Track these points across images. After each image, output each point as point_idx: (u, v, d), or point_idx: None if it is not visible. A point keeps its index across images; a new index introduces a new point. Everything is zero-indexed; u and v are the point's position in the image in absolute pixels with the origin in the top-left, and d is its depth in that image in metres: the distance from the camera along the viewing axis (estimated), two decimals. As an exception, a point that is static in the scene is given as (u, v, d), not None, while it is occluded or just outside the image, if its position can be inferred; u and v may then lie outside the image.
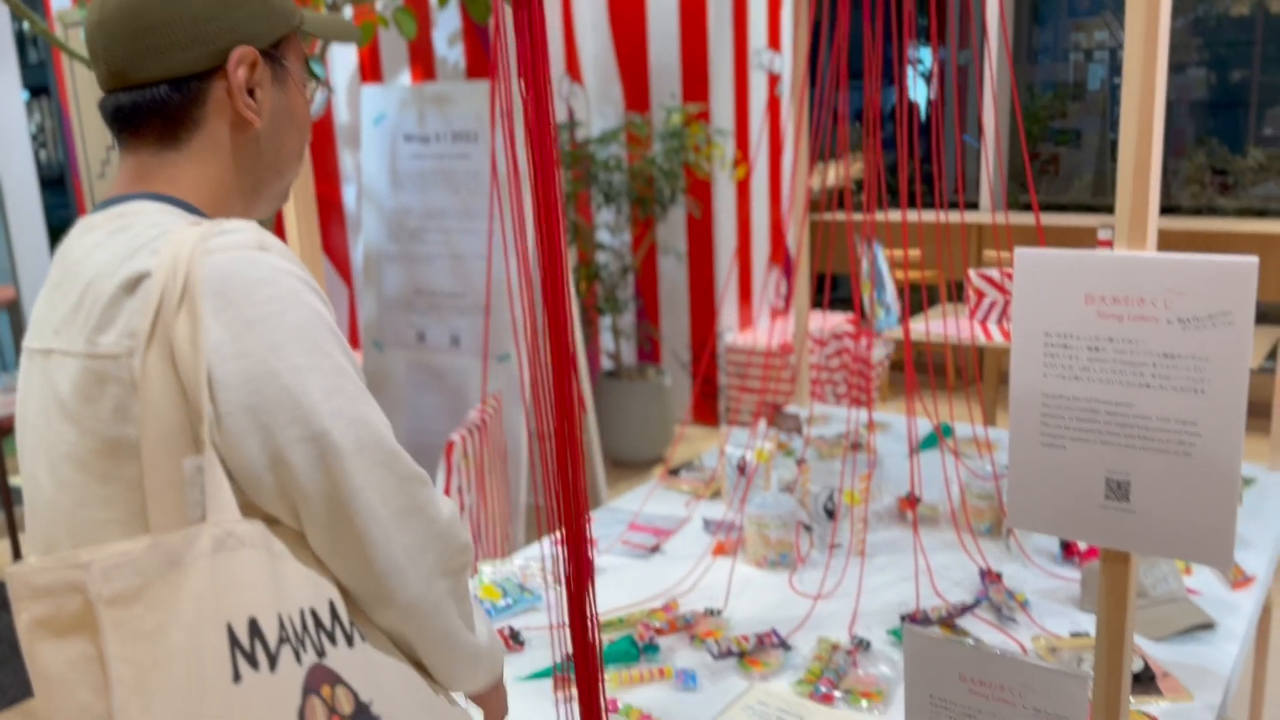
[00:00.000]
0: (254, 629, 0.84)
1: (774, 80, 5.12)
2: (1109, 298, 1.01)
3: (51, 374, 0.92)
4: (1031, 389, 1.07)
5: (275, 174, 1.07)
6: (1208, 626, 1.68)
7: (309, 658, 0.87)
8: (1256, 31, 6.15)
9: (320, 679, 0.88)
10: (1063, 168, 6.54)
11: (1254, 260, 0.94)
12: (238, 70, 0.99)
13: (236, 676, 0.82)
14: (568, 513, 1.36)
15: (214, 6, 0.98)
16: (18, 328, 4.69)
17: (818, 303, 5.25)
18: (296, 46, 1.07)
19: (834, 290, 6.29)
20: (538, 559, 2.04)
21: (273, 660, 0.84)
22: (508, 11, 1.43)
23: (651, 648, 1.70)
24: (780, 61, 5.11)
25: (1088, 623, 1.74)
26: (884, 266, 3.12)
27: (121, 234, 0.92)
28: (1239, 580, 1.83)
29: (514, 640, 1.74)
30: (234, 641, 0.83)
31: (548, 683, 1.63)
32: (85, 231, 0.95)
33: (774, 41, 5.08)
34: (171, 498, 0.86)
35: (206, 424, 0.85)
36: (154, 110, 0.98)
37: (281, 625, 0.86)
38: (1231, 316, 0.96)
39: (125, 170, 1.01)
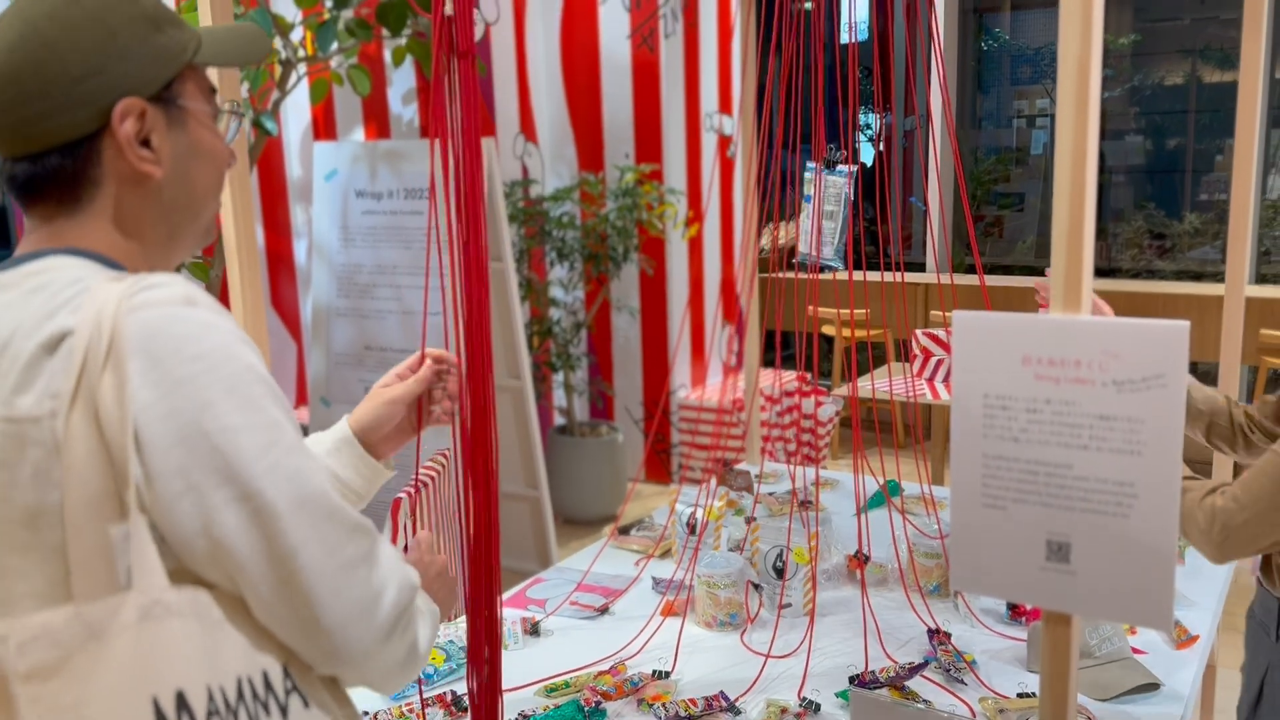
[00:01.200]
0: (181, 702, 0.81)
1: (725, 142, 5.20)
2: (1046, 360, 1.02)
3: None
4: (972, 450, 1.08)
5: (189, 216, 1.03)
6: (1153, 687, 1.69)
7: None
8: (1190, 100, 6.37)
9: None
10: (1006, 230, 6.69)
11: (1184, 325, 0.96)
12: (123, 124, 0.94)
13: None
14: (475, 594, 1.35)
15: (90, 63, 0.93)
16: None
17: (769, 360, 5.28)
18: (195, 79, 1.02)
19: (785, 348, 6.34)
20: (483, 621, 2.01)
21: None
22: (456, 69, 1.43)
23: (598, 712, 1.67)
24: (731, 124, 5.19)
25: (1035, 683, 1.73)
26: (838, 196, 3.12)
27: (39, 292, 0.88)
28: (1183, 640, 1.84)
29: (455, 707, 1.70)
30: (159, 715, 0.80)
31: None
32: None
33: (725, 105, 5.17)
34: (97, 566, 0.83)
35: (133, 488, 0.82)
36: (49, 179, 0.95)
37: (211, 698, 0.83)
38: (1165, 379, 0.97)
39: (33, 230, 0.97)
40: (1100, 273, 6.19)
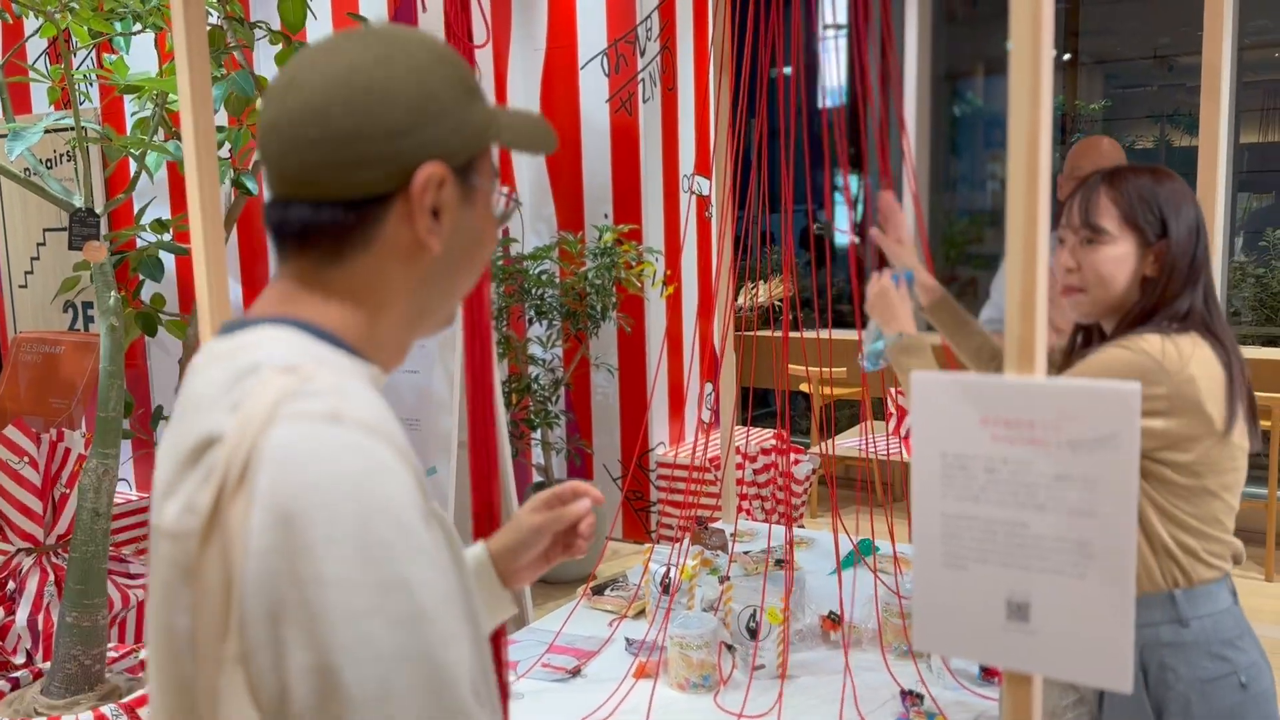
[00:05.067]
0: None
1: (703, 203, 5.26)
2: (1002, 420, 1.04)
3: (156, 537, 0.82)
4: (932, 509, 1.09)
5: (444, 298, 0.92)
6: (1123, 747, 1.69)
7: None
8: (1161, 164, 6.49)
9: None
10: (980, 290, 6.77)
11: (1136, 386, 0.98)
12: (425, 193, 0.84)
13: None
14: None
15: (409, 119, 0.84)
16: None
17: (744, 419, 5.30)
18: (488, 158, 0.93)
19: (763, 406, 6.35)
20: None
21: None
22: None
23: (567, 776, 1.65)
24: (708, 185, 5.26)
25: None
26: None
27: (225, 375, 0.79)
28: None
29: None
30: None
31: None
32: (208, 362, 0.83)
33: (703, 167, 5.24)
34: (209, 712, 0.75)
35: (233, 629, 0.72)
36: (322, 230, 0.84)
37: None
38: (1118, 440, 0.99)
39: (275, 286, 0.88)
40: (1075, 332, 6.23)
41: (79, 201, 2.46)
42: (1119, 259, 1.53)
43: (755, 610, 2.08)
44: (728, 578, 2.19)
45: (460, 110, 0.88)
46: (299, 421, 0.73)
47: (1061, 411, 1.01)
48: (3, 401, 3.38)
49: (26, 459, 2.84)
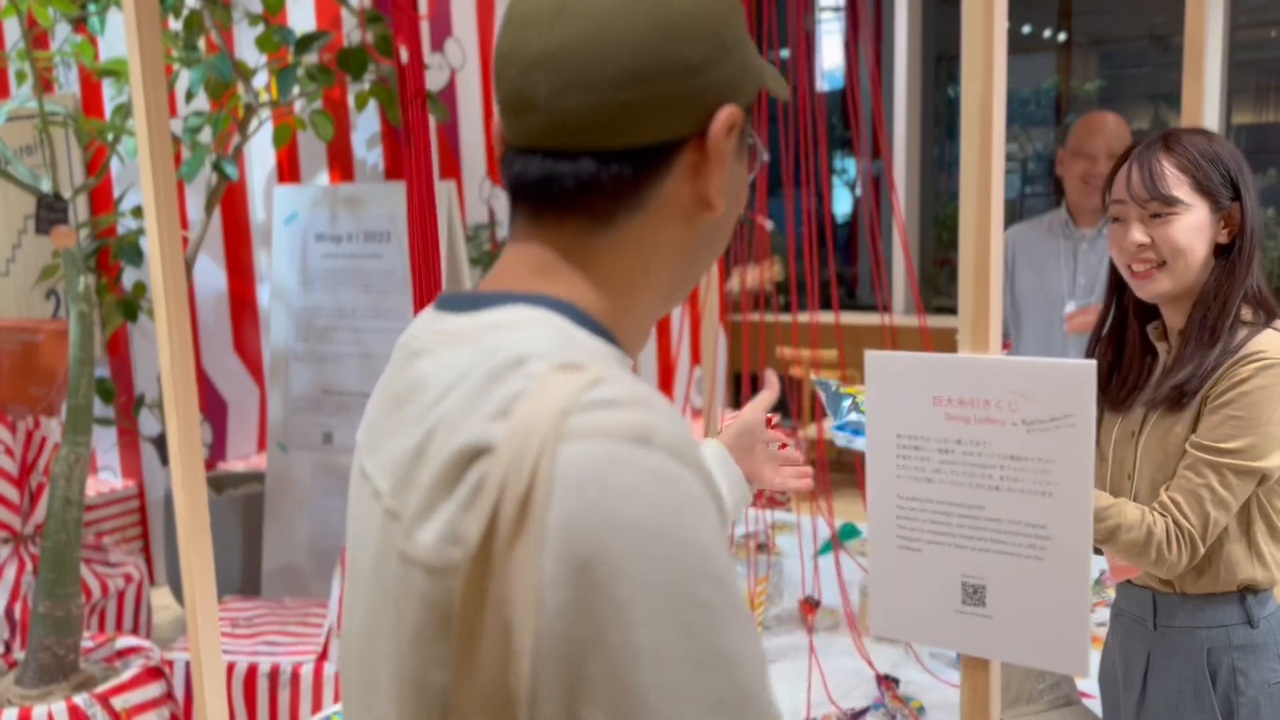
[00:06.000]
0: None
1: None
2: (956, 400, 1.01)
3: (375, 532, 0.68)
4: (886, 491, 1.06)
5: (698, 270, 0.79)
6: (1100, 731, 1.67)
7: None
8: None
9: None
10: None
11: (1091, 364, 0.95)
12: (722, 138, 0.71)
13: None
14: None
15: (708, 52, 0.70)
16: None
17: (737, 403, 5.27)
18: (755, 105, 0.81)
19: (754, 391, 6.33)
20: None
21: None
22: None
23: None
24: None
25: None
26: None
27: (484, 363, 0.65)
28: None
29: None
30: None
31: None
32: (439, 342, 0.70)
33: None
34: None
35: (519, 699, 0.59)
36: (600, 188, 0.70)
37: None
38: (1074, 419, 0.96)
39: (523, 253, 0.73)
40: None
41: (46, 186, 2.43)
42: (1196, 228, 1.42)
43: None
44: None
45: (744, 44, 0.74)
46: (596, 440, 0.59)
47: (1016, 390, 0.98)
48: (-17, 390, 3.36)
49: (2, 447, 2.82)
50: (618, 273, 0.73)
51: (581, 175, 0.70)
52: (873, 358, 1.06)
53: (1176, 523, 1.35)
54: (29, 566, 2.88)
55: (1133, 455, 1.48)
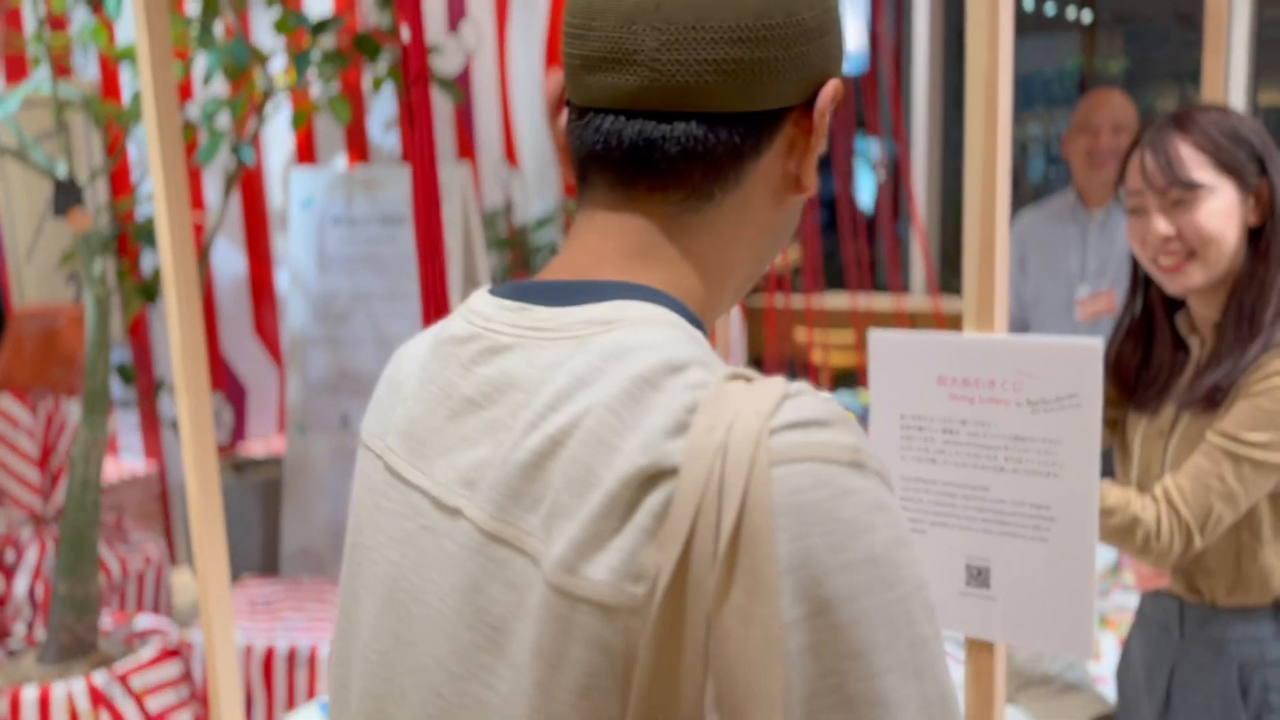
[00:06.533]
0: None
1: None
2: (960, 380, 1.00)
3: (463, 557, 0.61)
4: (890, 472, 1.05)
5: (772, 256, 0.73)
6: (1111, 717, 1.65)
7: None
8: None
9: None
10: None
11: (1098, 343, 0.94)
12: (827, 111, 0.66)
13: None
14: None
15: (821, 18, 0.65)
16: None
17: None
18: None
19: (766, 372, 6.29)
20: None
21: None
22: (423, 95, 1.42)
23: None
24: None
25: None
26: None
27: (618, 368, 0.57)
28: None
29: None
30: None
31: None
32: (536, 337, 0.62)
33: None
34: None
35: None
36: (705, 156, 0.64)
37: None
38: (1079, 399, 0.95)
39: (611, 235, 0.66)
40: (1091, 296, 6.16)
41: (62, 171, 2.45)
42: (1224, 211, 1.30)
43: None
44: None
45: (838, 20, 0.69)
46: (811, 464, 0.53)
47: (1021, 370, 0.97)
48: (7, 374, 3.39)
49: (23, 430, 2.85)
50: (711, 258, 0.67)
51: (686, 140, 0.63)
52: (876, 337, 1.04)
53: (1174, 510, 1.25)
54: (50, 548, 2.92)
55: (1161, 456, 1.38)
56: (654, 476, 0.54)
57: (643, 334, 0.59)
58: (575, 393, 0.57)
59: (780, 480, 0.52)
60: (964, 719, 0.54)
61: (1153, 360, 1.44)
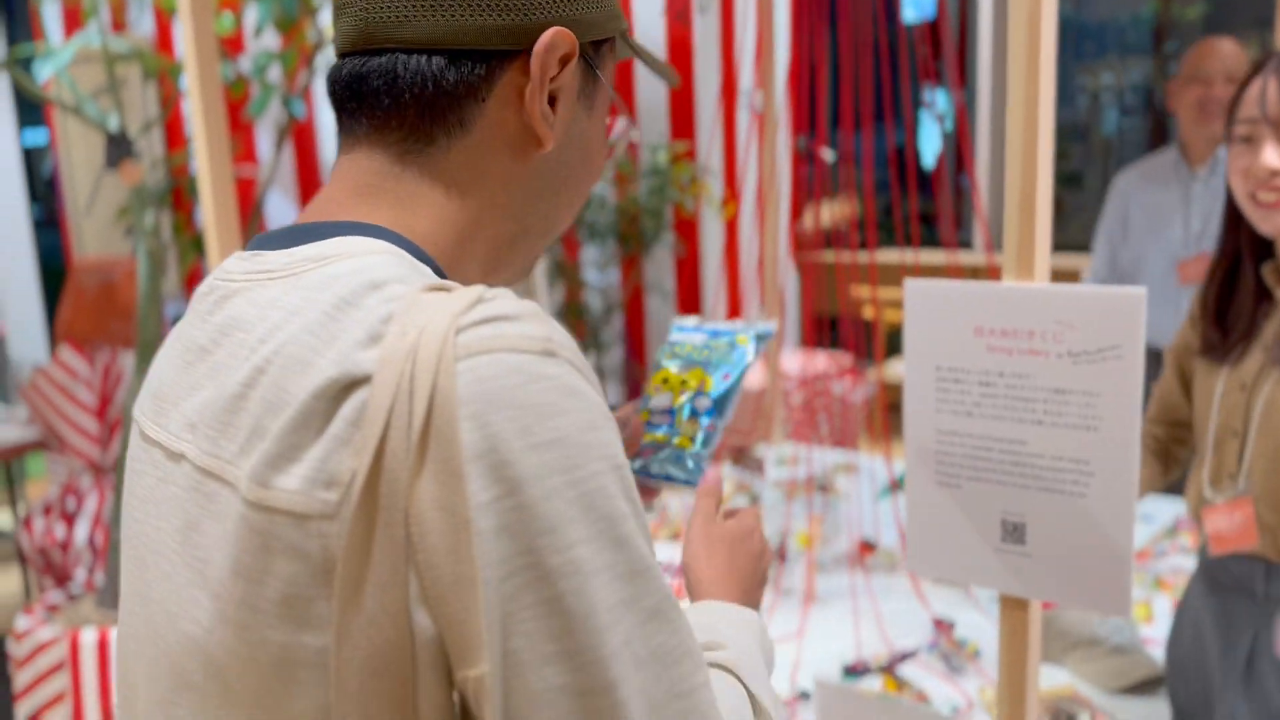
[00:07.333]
0: None
1: (763, 120, 5.12)
2: (998, 330, 0.96)
3: (182, 497, 0.61)
4: (925, 425, 1.02)
5: (545, 227, 0.73)
6: (1163, 680, 1.61)
7: None
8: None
9: None
10: (1065, 209, 6.51)
11: (1142, 291, 0.90)
12: (547, 59, 0.66)
13: None
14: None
15: None
16: (5, 367, 4.70)
17: (816, 343, 5.20)
18: (613, 59, 0.75)
19: (823, 330, 6.24)
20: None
21: None
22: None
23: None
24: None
25: (1047, 673, 1.67)
26: None
27: (322, 294, 0.59)
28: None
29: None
30: None
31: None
32: (257, 277, 0.63)
33: (762, 82, 5.09)
34: None
35: (422, 648, 0.53)
36: (412, 90, 0.65)
37: None
38: (1121, 350, 0.91)
39: (341, 177, 0.68)
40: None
41: (114, 124, 2.47)
42: None
43: (785, 534, 2.04)
44: (758, 500, 2.15)
45: None
46: (500, 354, 0.54)
47: (1061, 320, 0.93)
48: (68, 326, 3.47)
49: (82, 381, 2.91)
50: (448, 206, 0.67)
51: (385, 73, 0.65)
52: (912, 286, 1.01)
53: None
54: (109, 496, 2.99)
55: (1244, 411, 1.32)
56: (348, 386, 0.55)
57: (354, 263, 0.60)
58: (285, 324, 0.58)
59: (465, 372, 0.53)
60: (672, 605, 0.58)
61: (1233, 308, 1.38)
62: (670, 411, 0.96)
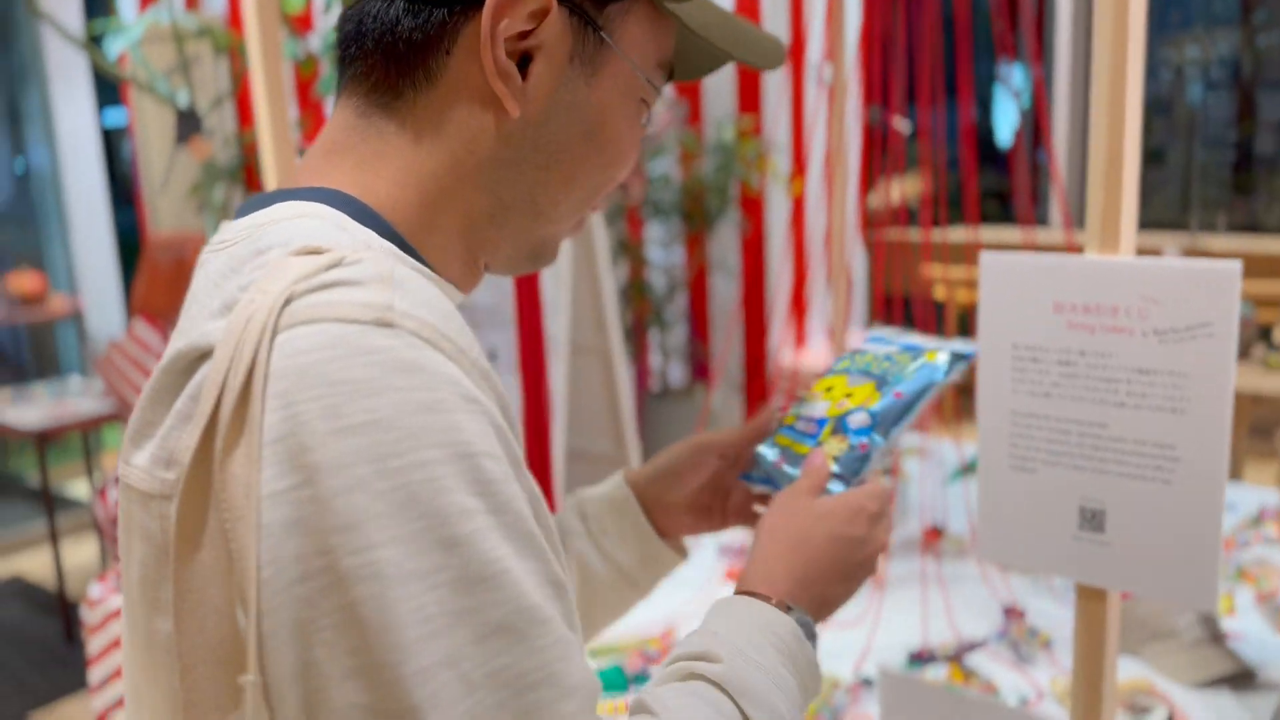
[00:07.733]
0: None
1: (832, 94, 5.03)
2: (1080, 306, 0.91)
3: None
4: (999, 407, 0.98)
5: (531, 207, 0.66)
6: (1247, 676, 1.54)
7: None
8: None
9: None
10: (1146, 184, 6.31)
11: (1236, 265, 0.84)
12: (505, 9, 0.60)
13: None
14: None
15: None
16: (83, 340, 4.81)
17: (886, 322, 5.12)
18: (648, 30, 0.66)
19: (894, 310, 6.13)
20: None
21: None
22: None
23: (642, 678, 1.63)
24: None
25: (1122, 665, 1.61)
26: None
27: (224, 268, 0.57)
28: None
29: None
30: None
31: None
32: (217, 248, 0.61)
33: (832, 54, 4.99)
34: None
35: (253, 630, 0.48)
36: (374, 37, 0.62)
37: None
38: (1213, 328, 0.85)
39: (321, 136, 0.66)
40: (1241, 228, 5.78)
41: (184, 100, 2.50)
42: None
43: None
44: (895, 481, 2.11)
45: None
46: (322, 324, 0.49)
47: (1148, 295, 0.88)
48: (142, 300, 3.54)
49: (152, 353, 2.96)
50: (412, 169, 0.63)
51: (355, 17, 0.64)
52: (989, 259, 0.96)
53: None
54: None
55: None
56: (195, 359, 0.52)
57: (279, 229, 0.57)
58: (197, 299, 0.57)
59: (283, 345, 0.49)
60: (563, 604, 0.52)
61: None
62: (819, 422, 0.89)
